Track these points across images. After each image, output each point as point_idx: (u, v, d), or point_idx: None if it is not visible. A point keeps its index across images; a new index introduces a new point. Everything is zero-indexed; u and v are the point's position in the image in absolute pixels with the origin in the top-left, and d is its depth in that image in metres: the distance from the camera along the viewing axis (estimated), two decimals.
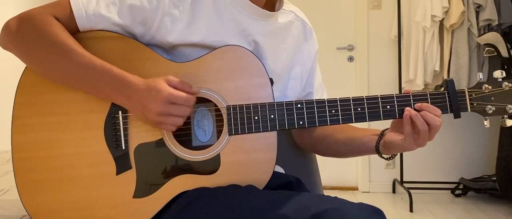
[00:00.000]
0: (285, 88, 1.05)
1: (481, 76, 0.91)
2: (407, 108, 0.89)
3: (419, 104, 0.89)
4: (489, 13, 2.85)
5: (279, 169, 1.08)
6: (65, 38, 0.86)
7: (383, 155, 0.98)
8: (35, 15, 0.87)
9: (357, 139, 1.01)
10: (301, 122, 0.90)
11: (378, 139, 0.96)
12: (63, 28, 0.87)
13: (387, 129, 0.97)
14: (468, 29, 2.93)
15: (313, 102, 0.91)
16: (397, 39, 3.28)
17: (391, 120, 0.94)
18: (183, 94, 0.83)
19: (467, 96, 0.91)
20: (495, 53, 2.82)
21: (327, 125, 0.91)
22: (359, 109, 0.90)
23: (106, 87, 0.85)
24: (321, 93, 1.14)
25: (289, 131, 1.17)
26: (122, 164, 0.88)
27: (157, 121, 0.84)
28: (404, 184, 3.26)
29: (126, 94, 0.85)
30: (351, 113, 0.90)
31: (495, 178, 2.99)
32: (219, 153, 0.89)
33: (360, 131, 1.03)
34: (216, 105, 0.90)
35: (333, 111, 0.90)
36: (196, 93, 0.87)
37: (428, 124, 0.87)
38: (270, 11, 1.00)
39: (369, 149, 0.98)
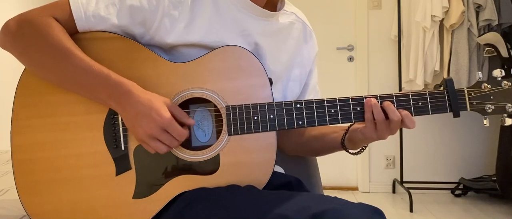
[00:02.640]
0: (284, 90, 1.05)
1: (480, 75, 0.91)
2: (369, 97, 0.89)
3: (387, 103, 0.89)
4: (489, 13, 2.85)
5: (279, 169, 1.08)
6: (64, 41, 0.86)
7: (348, 150, 0.98)
8: (35, 16, 0.87)
9: (327, 134, 1.02)
10: (300, 122, 0.90)
11: (344, 134, 0.97)
12: (63, 31, 0.87)
13: (352, 124, 0.96)
14: (468, 29, 2.93)
15: (313, 102, 0.90)
16: (397, 39, 3.28)
17: None
18: (179, 127, 0.84)
19: (466, 95, 0.91)
20: (495, 53, 2.81)
21: (326, 125, 0.91)
22: (358, 108, 0.90)
23: (102, 92, 0.85)
24: (313, 95, 1.13)
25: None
26: (121, 165, 0.88)
27: (143, 140, 0.84)
28: (404, 184, 3.26)
29: (122, 101, 0.84)
30: (351, 112, 0.90)
31: (495, 178, 2.99)
32: (219, 154, 0.89)
33: (331, 127, 1.03)
34: (215, 106, 0.90)
35: (332, 111, 0.90)
36: (191, 124, 0.87)
37: (386, 116, 0.88)
38: (271, 11, 1.00)
39: (337, 144, 0.99)
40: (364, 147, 0.98)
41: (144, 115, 0.82)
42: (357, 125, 0.94)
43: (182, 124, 0.85)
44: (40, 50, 0.86)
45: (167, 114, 0.83)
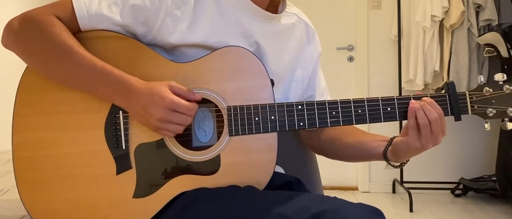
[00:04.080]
0: (287, 91, 1.05)
1: (482, 79, 0.91)
2: (413, 101, 0.89)
3: (424, 97, 0.89)
4: (489, 13, 2.85)
5: (279, 170, 1.08)
6: (67, 39, 0.86)
7: (390, 162, 0.96)
8: (38, 15, 0.88)
9: (366, 143, 1.00)
10: (301, 124, 0.90)
11: (387, 145, 0.95)
12: (65, 29, 0.87)
13: (396, 136, 0.95)
14: (468, 29, 2.93)
15: (314, 103, 0.91)
16: (397, 39, 3.28)
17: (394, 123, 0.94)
18: (186, 103, 0.84)
19: (468, 98, 0.91)
20: (495, 53, 2.82)
21: (328, 126, 0.91)
22: (359, 111, 0.90)
23: (106, 88, 0.86)
24: (326, 96, 1.13)
25: (290, 132, 1.17)
26: (122, 164, 0.89)
27: (157, 126, 0.84)
28: (404, 184, 3.26)
29: (126, 96, 0.85)
30: (352, 114, 0.90)
31: (495, 178, 3.00)
32: (219, 154, 0.89)
33: (369, 136, 1.01)
34: (216, 106, 0.90)
35: (334, 113, 0.90)
36: (198, 99, 0.87)
37: (427, 118, 0.86)
38: (273, 13, 0.99)
39: (377, 155, 0.97)
40: (405, 162, 0.96)
41: (149, 103, 0.83)
42: (399, 139, 0.92)
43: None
44: (43, 48, 0.87)
45: (169, 94, 0.83)
